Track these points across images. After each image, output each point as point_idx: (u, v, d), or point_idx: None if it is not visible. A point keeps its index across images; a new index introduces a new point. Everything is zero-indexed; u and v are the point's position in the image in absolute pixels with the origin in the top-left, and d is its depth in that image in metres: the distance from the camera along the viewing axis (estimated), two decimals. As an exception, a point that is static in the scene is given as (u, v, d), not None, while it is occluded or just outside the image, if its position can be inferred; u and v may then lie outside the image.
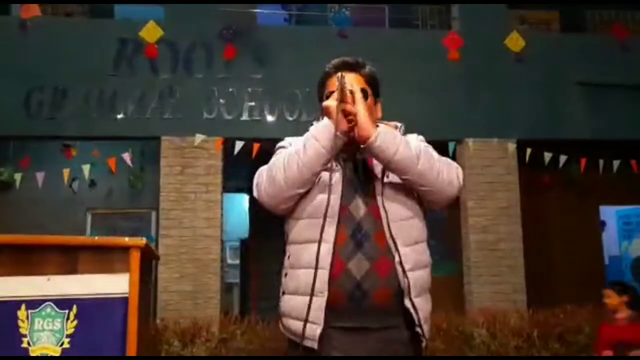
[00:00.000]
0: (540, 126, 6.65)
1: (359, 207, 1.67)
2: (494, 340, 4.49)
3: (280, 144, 1.84)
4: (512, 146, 6.58)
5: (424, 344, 1.70)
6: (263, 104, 6.34)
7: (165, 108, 6.23)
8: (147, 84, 6.23)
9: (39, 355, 2.02)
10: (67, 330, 2.04)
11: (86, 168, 6.40)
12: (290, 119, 6.26)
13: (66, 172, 6.30)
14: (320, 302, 1.59)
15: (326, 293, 1.59)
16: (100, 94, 6.14)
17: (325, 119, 1.66)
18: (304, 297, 1.60)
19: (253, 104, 6.33)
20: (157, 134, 6.20)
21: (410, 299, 1.63)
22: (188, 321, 4.47)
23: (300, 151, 1.63)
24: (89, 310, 2.06)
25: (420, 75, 6.44)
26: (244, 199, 10.14)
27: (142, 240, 2.14)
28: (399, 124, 1.82)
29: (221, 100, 6.30)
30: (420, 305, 1.66)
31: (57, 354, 2.02)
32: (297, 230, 1.71)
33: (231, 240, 10.93)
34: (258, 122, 6.32)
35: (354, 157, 1.73)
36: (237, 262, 11.10)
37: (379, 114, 1.81)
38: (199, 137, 6.13)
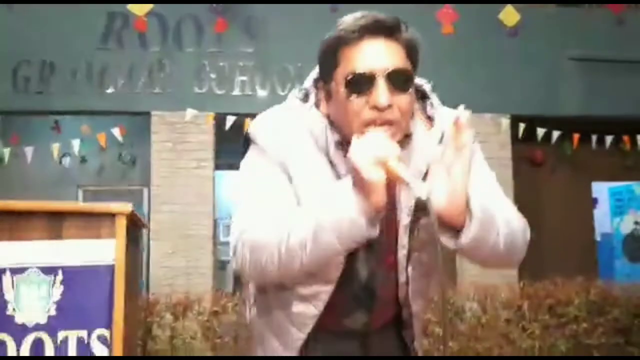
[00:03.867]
0: (534, 101, 6.62)
1: (369, 262, 1.25)
2: (484, 312, 4.53)
3: (259, 139, 1.24)
4: (505, 121, 6.56)
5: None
6: (254, 78, 6.27)
7: (155, 82, 6.15)
8: (137, 58, 6.15)
9: (24, 322, 2.01)
10: (52, 296, 2.02)
11: (76, 144, 6.33)
12: (282, 93, 6.19)
13: (56, 147, 6.24)
14: (290, 353, 1.32)
15: (297, 350, 1.31)
16: (88, 68, 6.05)
17: (356, 205, 1.04)
18: (270, 336, 1.35)
19: (244, 78, 6.26)
20: (147, 108, 6.14)
21: (411, 342, 1.39)
22: (180, 295, 4.47)
23: (307, 245, 1.08)
24: (75, 277, 2.04)
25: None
26: (236, 176, 10.12)
27: (128, 207, 2.11)
28: (427, 89, 1.32)
29: (212, 75, 6.23)
30: (418, 346, 1.41)
31: (44, 321, 2.01)
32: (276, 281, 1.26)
33: (224, 217, 10.94)
34: (249, 97, 6.26)
35: None
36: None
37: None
38: (190, 112, 6.06)
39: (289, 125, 1.24)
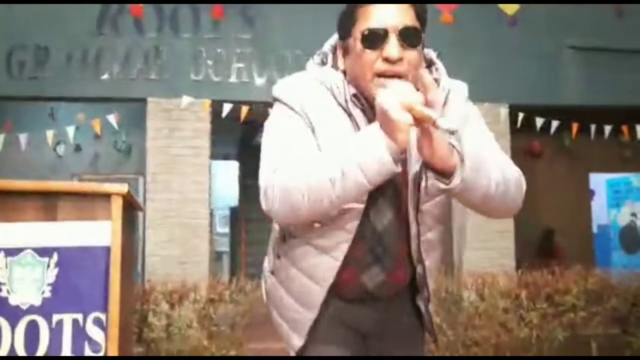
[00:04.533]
0: (533, 91, 6.58)
1: (383, 214, 1.34)
2: (482, 301, 4.51)
3: (284, 97, 1.36)
4: (504, 111, 6.53)
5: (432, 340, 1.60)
6: (252, 65, 6.21)
7: (151, 69, 6.08)
8: (133, 43, 6.07)
9: (18, 304, 1.96)
10: (47, 278, 1.98)
11: (70, 130, 6.26)
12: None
13: (50, 134, 6.17)
14: (308, 317, 1.40)
15: (317, 311, 1.39)
16: (84, 54, 5.97)
17: (383, 143, 1.13)
18: (292, 302, 1.44)
19: (242, 65, 6.20)
20: (143, 95, 6.07)
21: (426, 305, 1.48)
22: (176, 283, 4.44)
23: (335, 179, 1.16)
24: (70, 259, 2.00)
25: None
26: (233, 166, 10.07)
27: (124, 188, 2.06)
28: (437, 65, 1.42)
29: (209, 62, 6.16)
30: (432, 311, 1.51)
31: (39, 303, 1.97)
32: (304, 230, 1.36)
33: (221, 208, 10.91)
34: (247, 84, 6.20)
35: None
36: (227, 230, 11.09)
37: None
38: (186, 99, 6.00)
39: (309, 83, 1.37)
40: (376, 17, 1.25)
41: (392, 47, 1.23)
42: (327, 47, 1.44)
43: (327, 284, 1.36)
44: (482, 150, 1.26)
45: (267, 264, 1.57)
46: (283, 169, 1.24)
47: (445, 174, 1.18)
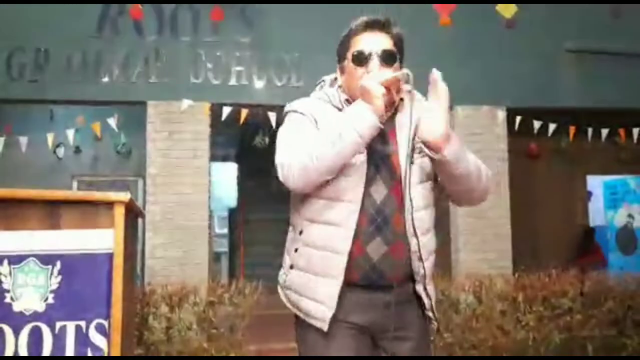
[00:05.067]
0: (531, 94, 6.61)
1: (380, 190, 1.64)
2: (480, 304, 4.55)
3: (294, 108, 1.73)
4: (502, 114, 6.56)
5: (435, 326, 1.77)
6: (251, 68, 6.23)
7: (151, 72, 6.10)
8: (132, 46, 6.09)
9: (22, 311, 1.99)
10: (50, 285, 2.01)
11: (70, 133, 6.29)
12: (279, 84, 6.16)
13: (50, 136, 6.19)
14: (335, 287, 1.61)
15: (341, 279, 1.60)
16: (83, 57, 6.00)
17: (365, 107, 1.54)
18: (316, 278, 1.64)
19: (241, 68, 6.22)
20: (143, 98, 6.09)
21: (424, 286, 1.70)
22: (176, 286, 4.46)
23: (335, 141, 1.52)
24: (73, 266, 2.03)
25: (410, 41, 6.33)
26: (232, 167, 10.10)
27: (126, 196, 2.10)
28: (415, 95, 1.71)
29: (208, 65, 6.18)
30: (432, 292, 1.73)
31: (42, 310, 2.00)
32: (316, 209, 1.65)
33: (219, 209, 10.93)
34: (246, 88, 6.22)
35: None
36: (226, 231, 11.12)
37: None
38: (186, 102, 6.03)
39: (313, 100, 1.78)
40: (362, 43, 1.68)
41: (374, 64, 1.65)
42: (327, 78, 1.85)
43: (345, 253, 1.59)
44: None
45: (282, 272, 1.79)
46: (295, 146, 1.60)
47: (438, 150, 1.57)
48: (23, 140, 6.16)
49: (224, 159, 9.54)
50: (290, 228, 1.77)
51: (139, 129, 6.43)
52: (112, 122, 6.18)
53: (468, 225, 6.48)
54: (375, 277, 1.62)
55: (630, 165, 8.21)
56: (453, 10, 6.38)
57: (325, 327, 1.61)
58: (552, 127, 6.67)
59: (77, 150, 7.20)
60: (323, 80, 1.85)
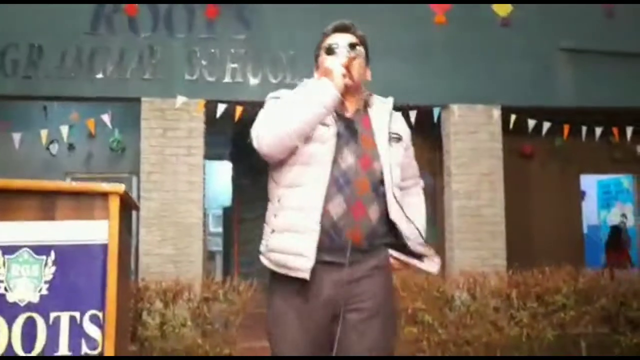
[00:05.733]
0: (525, 93, 6.64)
1: (348, 159, 1.84)
2: (474, 300, 4.56)
3: (274, 94, 1.94)
4: (496, 112, 6.58)
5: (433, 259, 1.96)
6: (246, 65, 6.23)
7: (146, 68, 6.09)
8: (127, 43, 6.08)
9: (16, 301, 1.98)
10: (45, 276, 2.00)
11: (64, 130, 6.26)
12: (274, 81, 6.16)
13: (44, 133, 6.16)
14: (312, 239, 1.75)
15: (318, 230, 1.75)
16: (78, 53, 5.97)
17: (327, 81, 1.82)
18: (296, 234, 1.78)
19: (236, 65, 6.22)
20: (137, 95, 6.08)
21: (401, 209, 1.89)
22: (170, 282, 4.45)
23: (302, 108, 1.78)
24: (68, 257, 2.03)
25: (405, 40, 6.37)
26: (226, 166, 10.08)
27: (121, 187, 2.09)
28: (391, 100, 2.01)
29: (203, 62, 6.18)
30: (415, 231, 1.94)
31: (36, 300, 1.99)
32: (291, 176, 1.83)
33: (214, 208, 10.91)
34: (241, 85, 6.22)
35: (342, 115, 1.90)
36: (220, 230, 11.11)
37: (369, 77, 2.00)
38: (180, 99, 6.02)
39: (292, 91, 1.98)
40: (333, 39, 1.95)
41: (342, 52, 1.90)
42: (308, 80, 2.01)
43: (319, 209, 1.76)
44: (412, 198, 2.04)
45: (263, 241, 1.93)
46: (267, 118, 1.83)
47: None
48: (16, 136, 6.13)
49: (219, 157, 9.52)
50: (269, 203, 1.92)
51: (133, 126, 6.41)
52: (106, 119, 6.16)
53: (463, 224, 6.50)
54: (334, 234, 1.78)
55: (624, 165, 8.26)
56: (448, 9, 6.40)
57: (307, 276, 1.75)
58: (546, 126, 6.70)
59: (71, 147, 7.17)
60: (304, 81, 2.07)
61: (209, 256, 9.54)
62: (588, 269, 5.08)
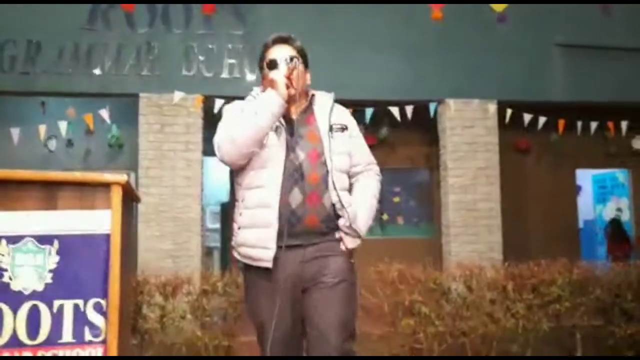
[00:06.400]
0: (521, 88, 6.69)
1: (299, 156, 2.10)
2: (470, 293, 4.60)
3: (229, 106, 2.21)
4: (492, 107, 6.63)
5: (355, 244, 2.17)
6: (243, 61, 6.26)
7: (143, 64, 6.11)
8: (124, 39, 6.10)
9: (20, 289, 2.01)
10: (48, 265, 2.03)
11: (63, 125, 6.28)
12: (271, 77, 6.18)
13: (42, 129, 6.17)
14: (272, 232, 2.04)
15: (276, 225, 2.03)
16: (75, 49, 5.99)
17: (273, 92, 2.04)
18: (258, 229, 2.07)
19: (233, 61, 6.25)
20: (135, 90, 6.10)
21: (349, 224, 2.11)
22: (170, 275, 4.48)
23: (254, 118, 2.00)
24: (71, 246, 2.05)
25: (401, 35, 6.41)
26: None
27: (123, 177, 2.12)
28: (332, 95, 2.25)
29: (200, 57, 6.20)
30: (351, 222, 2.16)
31: (40, 289, 2.02)
32: (250, 177, 2.10)
33: (212, 204, 10.91)
34: (238, 80, 6.25)
35: (290, 118, 2.15)
36: (218, 226, 11.11)
37: (309, 81, 2.24)
38: (178, 95, 6.04)
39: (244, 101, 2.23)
40: (273, 53, 2.18)
41: (282, 66, 2.13)
42: (257, 88, 2.27)
43: (276, 206, 2.03)
44: (363, 186, 2.25)
45: (233, 238, 2.20)
46: (224, 129, 2.07)
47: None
48: (14, 132, 6.14)
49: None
50: (236, 203, 2.18)
51: (131, 122, 6.43)
52: (104, 114, 6.17)
53: (459, 218, 6.56)
54: (294, 220, 2.04)
55: (619, 159, 8.32)
56: (445, 5, 6.43)
57: (270, 265, 2.05)
58: (542, 120, 6.75)
59: (69, 142, 7.17)
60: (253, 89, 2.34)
61: (207, 252, 9.55)
62: (583, 262, 5.11)
